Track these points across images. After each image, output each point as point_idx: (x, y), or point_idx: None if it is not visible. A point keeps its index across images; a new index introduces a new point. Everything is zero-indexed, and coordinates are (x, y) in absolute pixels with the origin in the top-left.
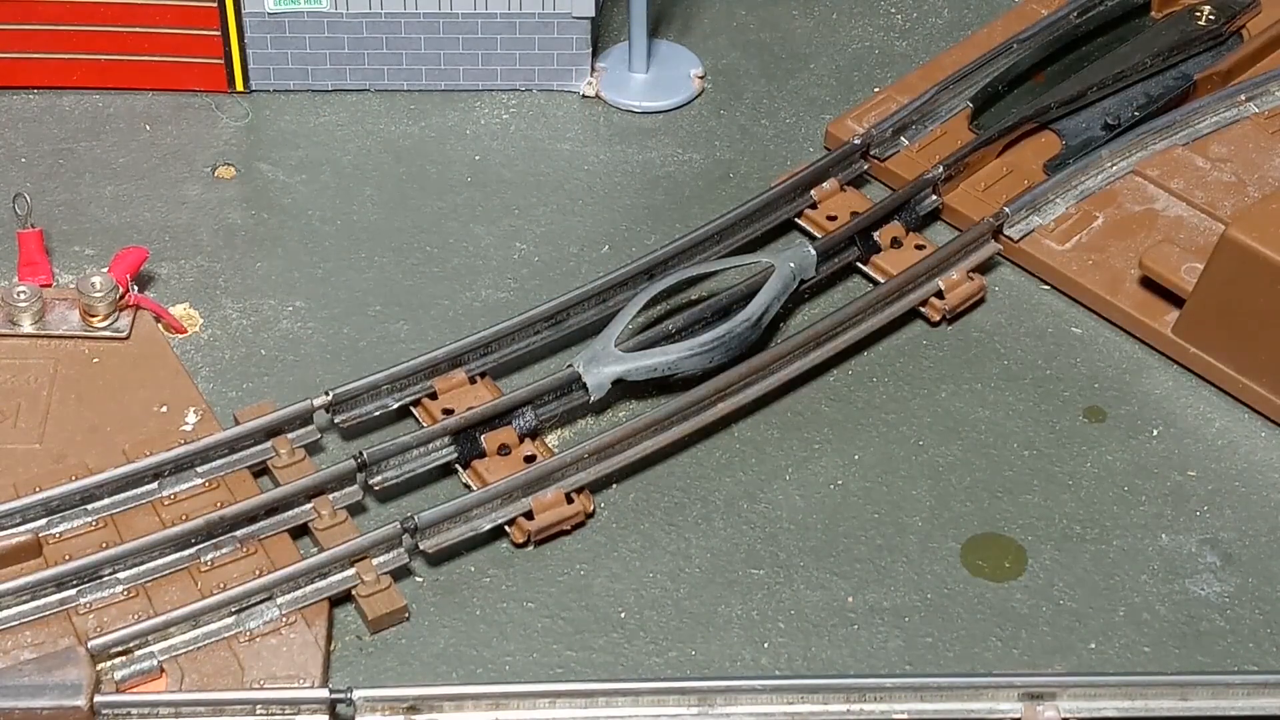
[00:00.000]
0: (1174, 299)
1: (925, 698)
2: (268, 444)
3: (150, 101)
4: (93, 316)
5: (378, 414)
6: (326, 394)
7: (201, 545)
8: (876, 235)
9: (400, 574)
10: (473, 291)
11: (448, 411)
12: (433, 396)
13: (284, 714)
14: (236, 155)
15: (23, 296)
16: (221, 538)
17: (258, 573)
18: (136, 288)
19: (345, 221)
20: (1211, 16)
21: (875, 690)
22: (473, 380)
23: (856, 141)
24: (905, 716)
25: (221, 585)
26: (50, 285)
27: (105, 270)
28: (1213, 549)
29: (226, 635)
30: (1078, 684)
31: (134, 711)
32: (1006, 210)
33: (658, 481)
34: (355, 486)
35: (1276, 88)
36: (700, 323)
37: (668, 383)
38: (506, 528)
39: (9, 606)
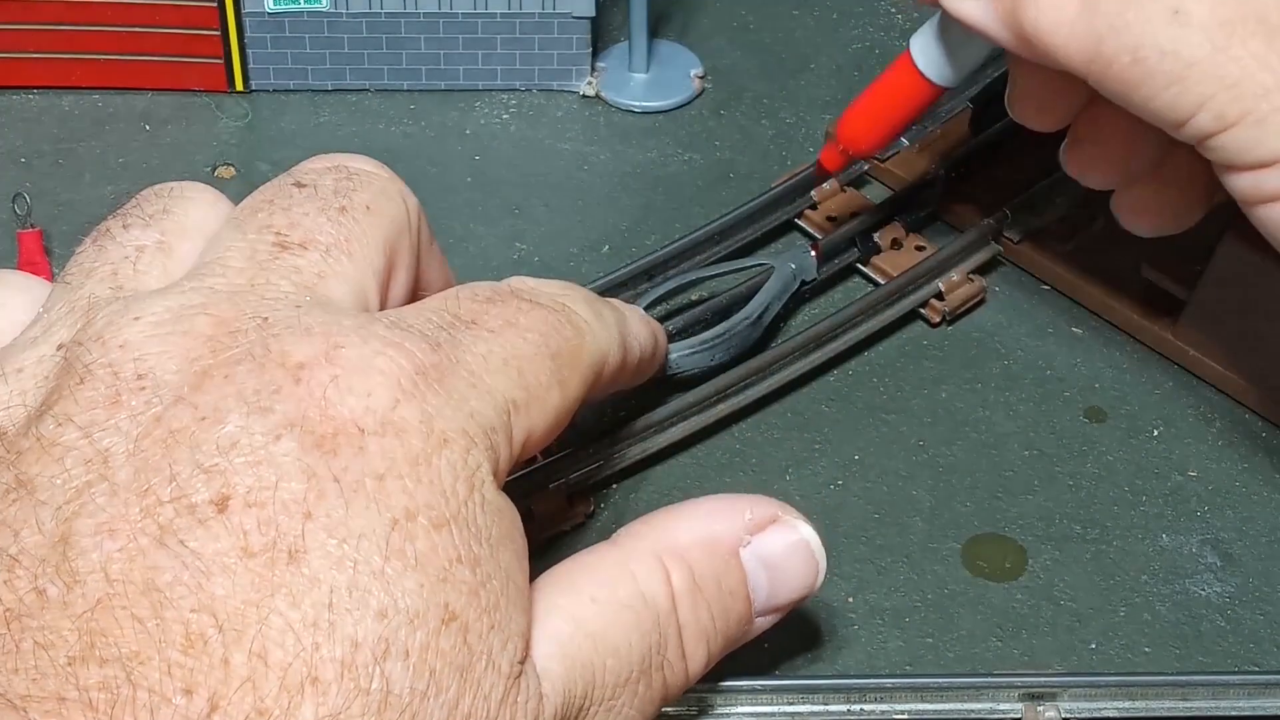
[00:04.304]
0: (1175, 300)
1: (925, 698)
2: None
3: (150, 101)
4: None
5: None
6: None
7: None
8: (877, 236)
9: None
10: None
11: None
12: None
13: None
14: (236, 155)
15: None
16: None
17: None
18: None
19: None
20: None
21: (875, 690)
22: None
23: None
24: (905, 716)
25: None
26: None
27: None
28: (1213, 549)
29: None
30: (1078, 684)
31: None
32: (1006, 211)
33: (658, 481)
34: None
35: None
36: (701, 323)
37: (669, 383)
38: None
39: None
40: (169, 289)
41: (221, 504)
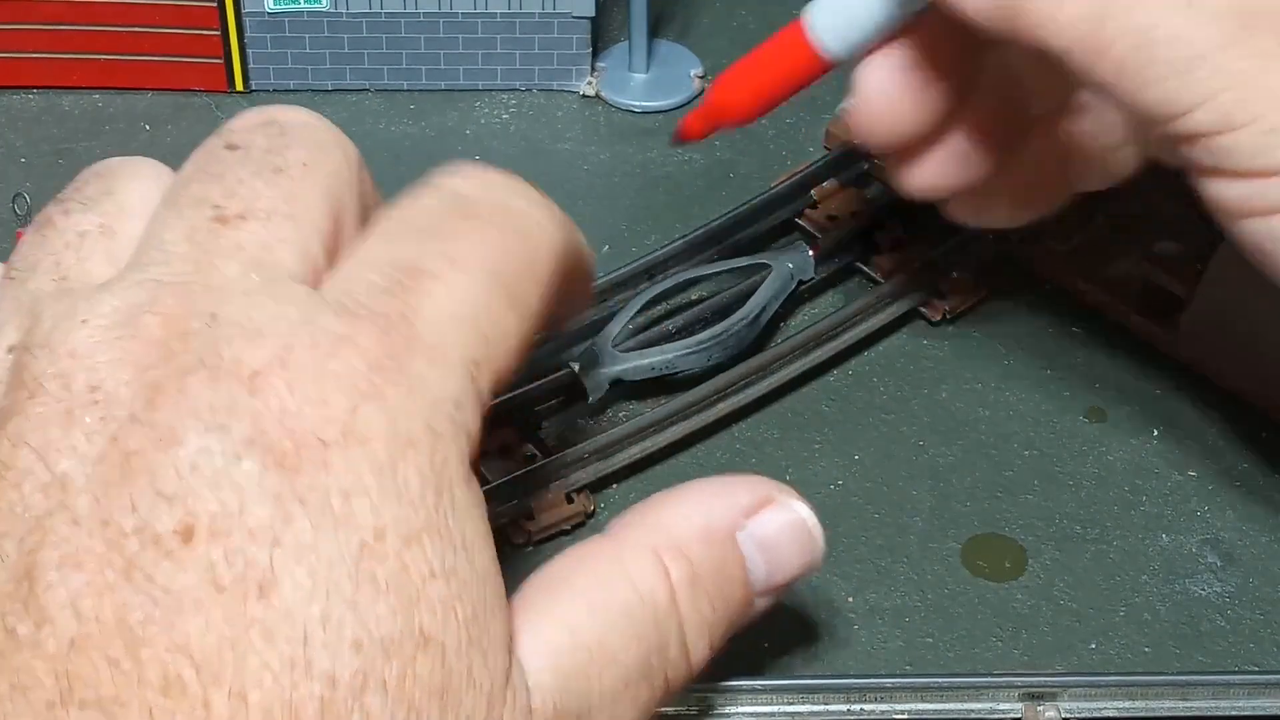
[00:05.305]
0: (1175, 300)
1: (925, 698)
2: None
3: (150, 101)
4: None
5: None
6: None
7: None
8: (877, 236)
9: None
10: None
11: None
12: None
13: None
14: None
15: None
16: None
17: None
18: None
19: None
20: None
21: (875, 690)
22: None
23: (857, 141)
24: (905, 717)
25: None
26: None
27: None
28: (1213, 549)
29: None
30: (1078, 684)
31: None
32: None
33: (658, 481)
34: None
35: None
36: (699, 322)
37: (668, 383)
38: (507, 528)
39: None
40: (113, 284)
41: (186, 534)
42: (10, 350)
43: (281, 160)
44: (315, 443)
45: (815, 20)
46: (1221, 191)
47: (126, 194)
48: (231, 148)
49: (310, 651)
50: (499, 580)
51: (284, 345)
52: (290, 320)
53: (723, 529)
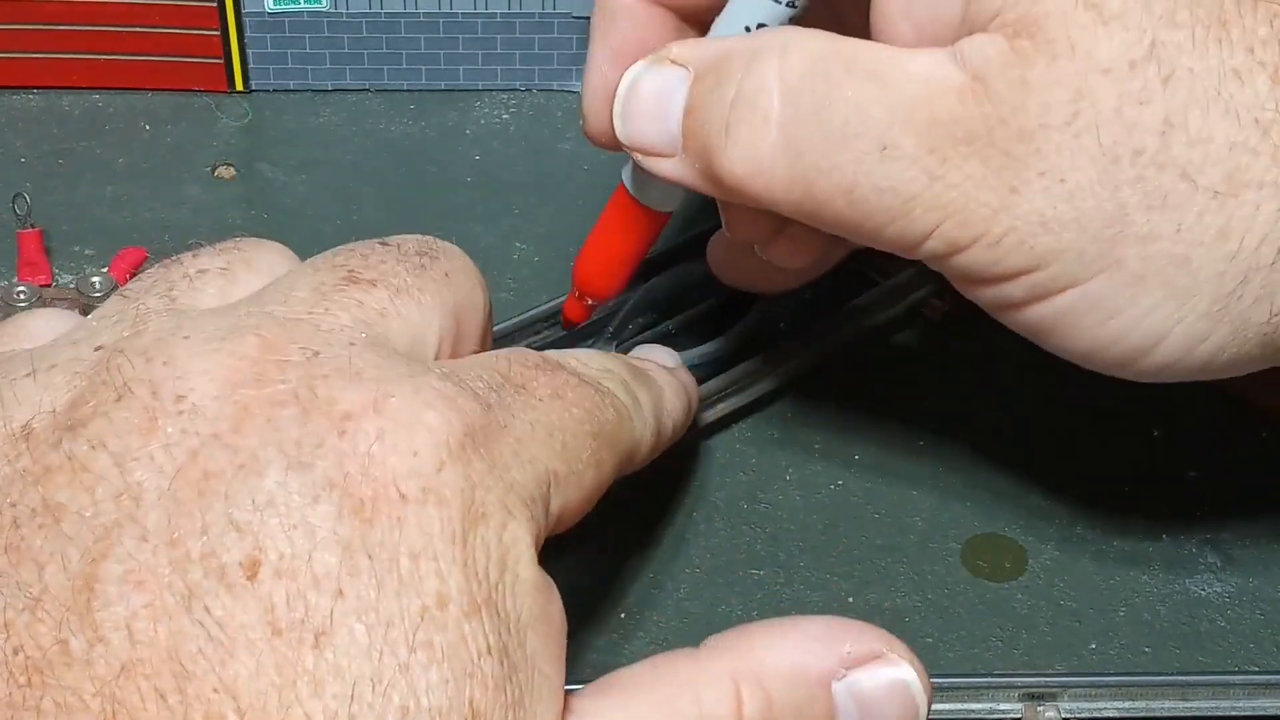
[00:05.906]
0: None
1: None
2: None
3: (150, 101)
4: None
5: None
6: None
7: None
8: None
9: None
10: None
11: None
12: None
13: None
14: (236, 155)
15: (22, 296)
16: None
17: None
18: None
19: (345, 221)
20: None
21: None
22: None
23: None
24: None
25: None
26: (50, 285)
27: (105, 270)
28: (1213, 549)
29: None
30: (1078, 684)
31: None
32: None
33: (656, 482)
34: None
35: None
36: (699, 322)
37: None
38: None
39: None
40: (224, 308)
41: (252, 569)
42: (98, 349)
43: (427, 263)
44: (395, 495)
45: (636, 190)
46: (974, 296)
47: (255, 255)
48: (384, 243)
49: (355, 710)
50: (553, 670)
51: (382, 392)
52: (395, 370)
53: (817, 673)
